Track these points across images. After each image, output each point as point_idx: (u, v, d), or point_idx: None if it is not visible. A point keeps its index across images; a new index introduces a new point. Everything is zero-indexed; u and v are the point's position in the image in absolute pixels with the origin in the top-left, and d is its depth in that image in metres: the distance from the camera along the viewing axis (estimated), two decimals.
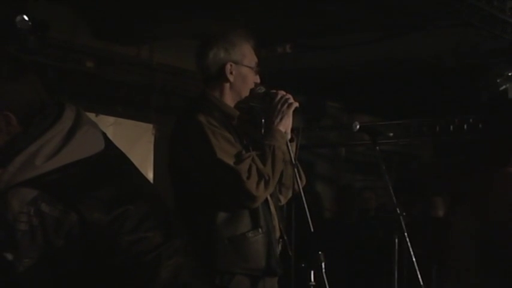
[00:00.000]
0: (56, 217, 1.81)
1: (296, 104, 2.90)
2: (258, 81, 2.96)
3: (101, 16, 5.73)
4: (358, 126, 3.69)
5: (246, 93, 2.93)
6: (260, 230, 2.82)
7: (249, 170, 2.71)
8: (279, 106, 2.88)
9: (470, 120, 7.07)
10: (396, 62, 6.67)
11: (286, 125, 2.88)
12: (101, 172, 1.91)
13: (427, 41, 5.98)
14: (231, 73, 2.89)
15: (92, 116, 6.09)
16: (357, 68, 6.95)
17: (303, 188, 2.87)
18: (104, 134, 2.02)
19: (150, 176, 6.52)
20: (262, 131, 2.91)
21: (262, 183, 2.73)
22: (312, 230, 2.73)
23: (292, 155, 2.86)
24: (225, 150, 2.74)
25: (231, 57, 2.89)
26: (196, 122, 2.78)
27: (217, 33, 2.96)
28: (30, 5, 4.93)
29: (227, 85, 2.90)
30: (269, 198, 2.89)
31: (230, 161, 2.72)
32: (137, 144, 6.52)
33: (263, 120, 2.93)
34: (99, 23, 5.86)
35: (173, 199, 2.87)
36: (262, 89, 2.97)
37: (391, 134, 7.81)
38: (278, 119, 2.86)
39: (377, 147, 3.71)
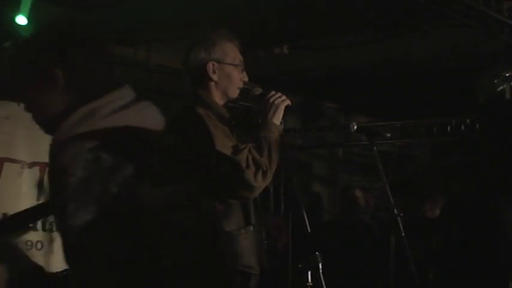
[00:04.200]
0: (115, 165, 1.75)
1: (288, 101, 2.94)
2: (246, 79, 2.98)
3: (98, 17, 5.72)
4: (355, 127, 3.69)
5: (232, 91, 2.97)
6: (251, 227, 2.84)
7: (247, 160, 2.75)
8: (271, 99, 2.92)
9: (468, 121, 7.07)
10: (393, 63, 6.67)
11: (279, 118, 2.92)
12: (157, 148, 1.88)
13: (425, 42, 5.98)
14: (214, 72, 2.92)
15: None
16: (355, 68, 6.95)
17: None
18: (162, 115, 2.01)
19: None
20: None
21: (260, 173, 2.76)
22: (309, 230, 2.74)
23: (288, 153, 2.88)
24: (223, 142, 2.76)
25: (212, 56, 2.93)
26: (197, 114, 2.81)
27: (197, 35, 3.00)
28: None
29: (212, 84, 2.94)
30: (257, 197, 2.91)
31: (228, 152, 2.74)
32: None
33: (260, 121, 2.95)
34: (96, 24, 5.85)
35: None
36: (258, 90, 2.99)
37: (388, 135, 7.78)
38: (272, 112, 2.91)
39: (374, 148, 3.72)
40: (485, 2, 5.03)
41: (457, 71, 6.57)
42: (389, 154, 8.34)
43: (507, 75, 6.18)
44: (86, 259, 1.72)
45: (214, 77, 2.93)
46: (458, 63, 6.44)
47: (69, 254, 1.74)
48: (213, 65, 2.92)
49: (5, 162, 5.46)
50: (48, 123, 1.93)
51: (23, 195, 5.45)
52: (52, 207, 1.81)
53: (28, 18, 4.89)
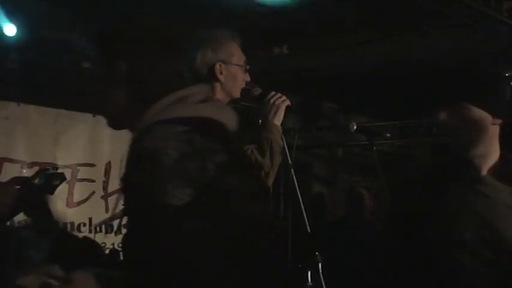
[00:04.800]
0: (209, 148, 1.71)
1: (288, 102, 2.94)
2: (248, 79, 2.98)
3: (98, 16, 5.72)
4: (355, 127, 3.70)
5: (236, 92, 2.96)
6: None
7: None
8: (272, 100, 2.92)
9: None
10: (393, 63, 6.67)
11: (280, 119, 2.92)
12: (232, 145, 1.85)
13: (424, 42, 5.98)
14: (221, 73, 2.90)
15: (89, 116, 6.10)
16: (354, 68, 6.95)
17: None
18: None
19: None
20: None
21: (262, 174, 2.75)
22: (309, 230, 2.74)
23: (288, 153, 2.88)
24: None
25: (219, 57, 2.91)
26: None
27: (203, 35, 2.98)
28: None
29: (218, 85, 2.92)
30: None
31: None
32: None
33: (260, 121, 2.95)
34: (96, 24, 5.85)
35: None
36: (258, 91, 3.00)
37: (388, 135, 7.80)
38: (272, 113, 2.91)
39: (374, 148, 3.72)
40: (485, 2, 5.03)
41: (456, 71, 6.56)
42: (389, 154, 8.34)
43: (507, 75, 6.18)
44: (182, 238, 1.65)
45: (221, 77, 2.91)
46: (457, 63, 6.43)
47: (163, 233, 1.67)
48: (220, 65, 2.91)
49: (5, 162, 5.46)
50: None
51: None
52: (138, 188, 1.72)
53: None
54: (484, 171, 2.40)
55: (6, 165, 5.45)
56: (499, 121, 2.43)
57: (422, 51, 6.30)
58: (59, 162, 5.81)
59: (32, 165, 5.55)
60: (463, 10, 5.00)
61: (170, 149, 1.68)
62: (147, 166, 1.70)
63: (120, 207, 1.83)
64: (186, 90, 1.85)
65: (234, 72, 2.93)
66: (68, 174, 5.83)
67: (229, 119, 1.91)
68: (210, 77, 2.92)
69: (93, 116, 6.04)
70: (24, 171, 5.52)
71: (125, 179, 1.76)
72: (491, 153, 2.43)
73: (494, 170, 2.42)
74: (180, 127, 1.73)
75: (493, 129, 2.43)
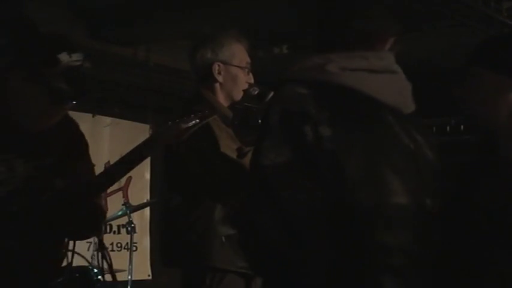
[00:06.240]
0: (323, 118, 1.59)
1: None
2: (252, 81, 2.96)
3: (98, 16, 5.72)
4: None
5: (237, 93, 2.94)
6: None
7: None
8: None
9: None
10: None
11: None
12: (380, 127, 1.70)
13: (424, 42, 5.98)
14: (219, 73, 2.89)
15: (88, 116, 6.10)
16: None
17: None
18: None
19: (147, 176, 6.51)
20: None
21: None
22: None
23: None
24: (228, 144, 2.75)
25: (219, 57, 2.90)
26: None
27: (206, 35, 2.98)
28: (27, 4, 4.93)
29: (217, 85, 2.92)
30: None
31: (233, 154, 2.73)
32: (134, 144, 6.47)
33: (260, 121, 2.94)
34: (96, 24, 5.85)
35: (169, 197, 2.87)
36: (256, 90, 2.98)
37: None
38: None
39: None
40: (485, 2, 5.03)
41: (456, 71, 6.56)
42: None
43: None
44: (264, 200, 1.58)
45: (220, 78, 2.91)
46: (458, 63, 6.42)
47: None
48: (219, 66, 2.90)
49: None
50: None
51: None
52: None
53: None
54: None
55: None
56: None
57: (422, 51, 6.30)
58: None
59: None
60: (463, 10, 4.99)
61: (280, 106, 1.59)
62: (261, 124, 1.66)
63: None
64: (341, 54, 1.73)
65: (234, 74, 2.92)
66: None
67: (391, 95, 1.75)
68: (209, 77, 2.91)
69: (93, 116, 6.04)
70: None
71: None
72: None
73: None
74: (303, 89, 1.64)
75: None
